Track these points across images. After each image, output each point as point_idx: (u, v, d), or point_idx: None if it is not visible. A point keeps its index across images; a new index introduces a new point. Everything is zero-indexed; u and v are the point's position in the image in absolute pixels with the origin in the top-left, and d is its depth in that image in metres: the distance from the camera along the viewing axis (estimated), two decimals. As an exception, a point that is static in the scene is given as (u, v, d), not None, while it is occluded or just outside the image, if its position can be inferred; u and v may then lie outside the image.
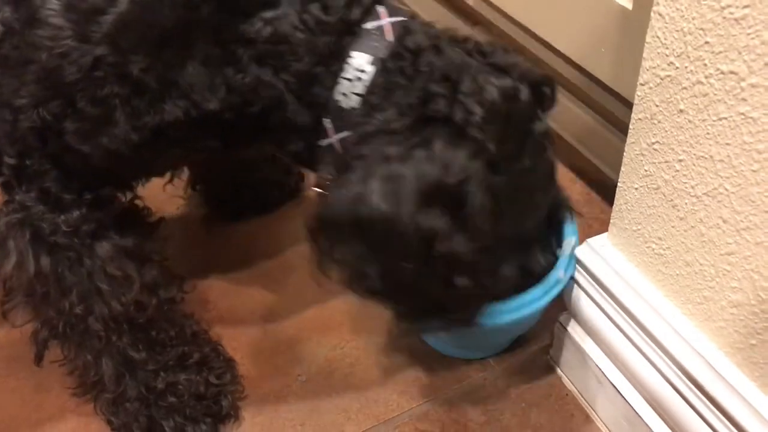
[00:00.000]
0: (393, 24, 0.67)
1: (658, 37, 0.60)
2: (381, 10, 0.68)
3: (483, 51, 0.69)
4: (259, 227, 1.12)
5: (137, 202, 0.81)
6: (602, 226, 1.08)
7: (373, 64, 0.66)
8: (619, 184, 0.72)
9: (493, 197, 0.63)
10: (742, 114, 0.54)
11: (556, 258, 0.77)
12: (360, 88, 0.66)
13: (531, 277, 0.77)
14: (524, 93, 0.65)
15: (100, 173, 0.73)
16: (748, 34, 0.51)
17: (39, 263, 0.73)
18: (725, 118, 0.56)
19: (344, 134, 0.68)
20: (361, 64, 0.66)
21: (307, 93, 0.68)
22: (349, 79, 0.66)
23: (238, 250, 1.09)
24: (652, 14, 0.60)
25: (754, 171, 0.55)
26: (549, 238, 0.78)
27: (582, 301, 0.80)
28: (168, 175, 0.91)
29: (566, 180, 1.16)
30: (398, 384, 0.89)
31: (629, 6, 0.83)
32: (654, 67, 0.61)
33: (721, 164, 0.58)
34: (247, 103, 0.67)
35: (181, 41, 0.64)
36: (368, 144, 0.64)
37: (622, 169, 0.70)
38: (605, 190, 1.12)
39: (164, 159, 0.77)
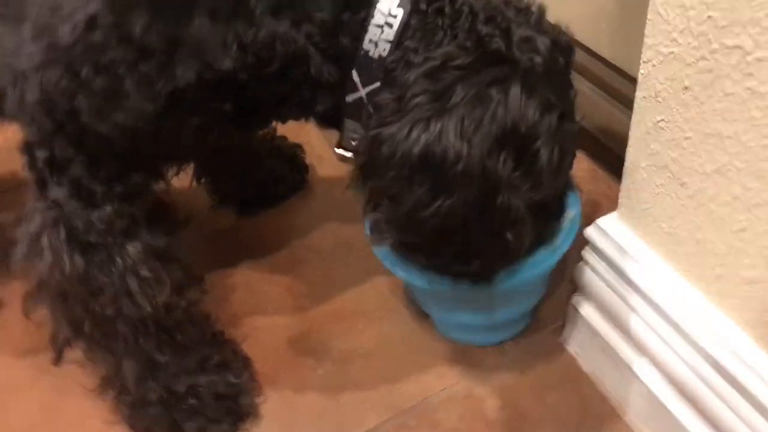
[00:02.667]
0: None
1: (659, 13, 0.59)
2: None
3: (517, 6, 0.66)
4: (265, 222, 1.12)
5: (164, 197, 0.80)
6: (610, 203, 1.07)
7: (401, 6, 0.63)
8: (626, 163, 0.71)
9: (560, 151, 0.63)
10: (749, 89, 0.53)
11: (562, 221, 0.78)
12: (390, 34, 0.64)
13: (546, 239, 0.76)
14: (560, 57, 0.65)
15: (127, 157, 0.71)
16: (752, 6, 0.50)
17: (73, 263, 0.72)
18: (732, 94, 0.55)
19: (374, 86, 0.66)
20: (390, 8, 0.63)
21: (333, 44, 0.65)
22: (379, 26, 0.64)
23: (244, 245, 1.08)
24: (652, -9, 0.59)
25: (763, 146, 0.54)
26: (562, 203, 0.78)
27: (594, 282, 0.79)
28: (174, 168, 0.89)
29: (572, 157, 1.15)
30: (414, 373, 0.89)
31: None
32: (656, 44, 0.60)
33: (729, 141, 0.57)
34: (262, 63, 0.64)
35: None
36: (434, 79, 0.61)
37: (628, 148, 0.69)
38: (611, 165, 1.11)
39: (185, 133, 0.72)
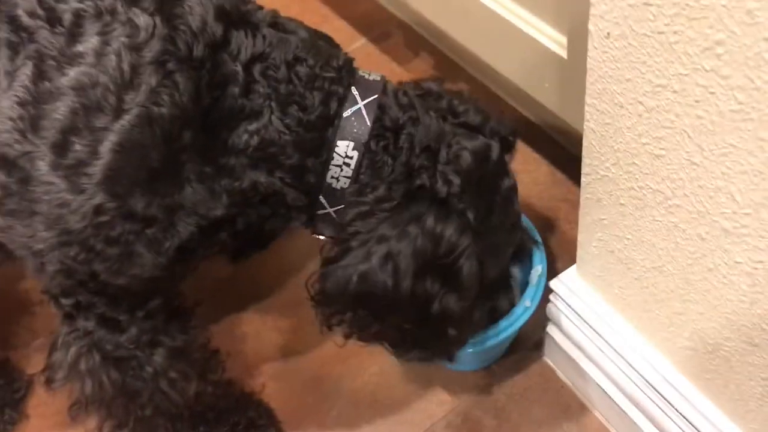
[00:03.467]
0: (368, 105, 0.75)
1: (593, 145, 0.67)
2: (355, 93, 0.76)
3: (455, 111, 0.78)
4: (259, 264, 1.20)
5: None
6: (571, 207, 1.17)
7: (356, 149, 0.74)
8: (578, 238, 0.81)
9: (479, 261, 0.75)
10: (673, 222, 0.63)
11: (516, 296, 0.90)
12: (348, 172, 0.75)
13: (498, 316, 0.90)
14: (495, 151, 0.76)
15: (144, 292, 0.80)
16: (668, 168, 0.59)
17: (110, 379, 0.82)
18: (659, 221, 0.65)
19: (339, 207, 0.78)
20: (346, 151, 0.75)
21: (302, 182, 0.76)
22: (338, 166, 0.75)
23: (245, 293, 1.18)
24: (585, 126, 0.67)
25: (689, 264, 0.64)
26: (510, 277, 0.91)
27: (561, 320, 0.91)
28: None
29: (530, 162, 1.23)
30: (418, 403, 1.02)
31: (564, 55, 0.89)
32: (594, 165, 0.69)
33: (661, 251, 0.67)
34: (248, 198, 0.76)
35: (171, 171, 0.70)
36: (364, 221, 0.74)
37: (579, 229, 0.79)
38: (570, 168, 1.19)
39: (192, 262, 0.83)
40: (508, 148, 0.80)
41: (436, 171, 0.73)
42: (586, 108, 0.64)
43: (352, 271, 0.73)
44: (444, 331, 0.77)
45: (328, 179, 0.75)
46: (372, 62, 1.48)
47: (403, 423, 1.01)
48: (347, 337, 0.80)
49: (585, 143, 0.68)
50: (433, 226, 0.72)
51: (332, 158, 0.74)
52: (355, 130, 0.74)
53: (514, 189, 0.82)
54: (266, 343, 1.12)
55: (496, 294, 0.88)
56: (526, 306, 0.88)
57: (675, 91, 0.53)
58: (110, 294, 0.78)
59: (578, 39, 0.84)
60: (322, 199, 0.77)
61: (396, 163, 0.74)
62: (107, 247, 0.71)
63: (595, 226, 0.75)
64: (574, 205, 1.17)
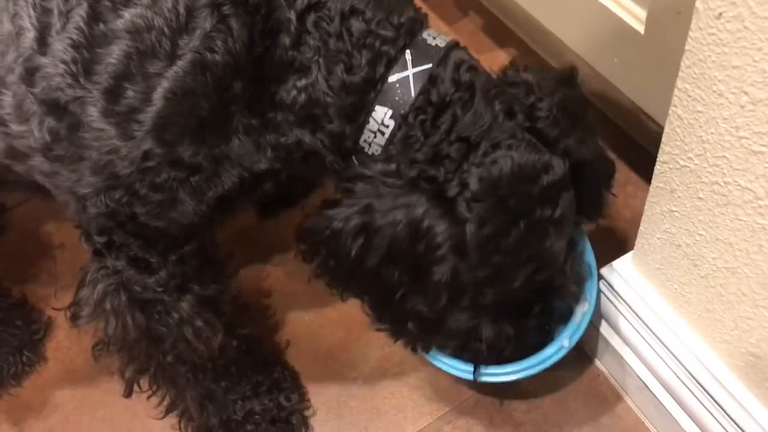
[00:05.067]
0: (418, 73, 0.69)
1: (676, 132, 0.62)
2: (408, 57, 0.70)
3: (534, 114, 0.69)
4: (286, 220, 1.16)
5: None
6: (617, 188, 1.12)
7: (393, 118, 0.70)
8: (641, 228, 0.76)
9: (455, 273, 0.69)
10: (761, 224, 0.58)
11: (546, 333, 0.83)
12: (381, 140, 0.71)
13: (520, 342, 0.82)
14: (553, 174, 0.67)
15: (180, 236, 0.78)
16: (766, 167, 0.54)
17: (135, 321, 0.80)
18: (743, 221, 0.60)
19: None
20: (383, 118, 0.70)
21: (339, 146, 0.73)
22: (372, 132, 0.71)
23: (271, 245, 1.14)
24: (670, 112, 0.61)
25: (771, 269, 0.60)
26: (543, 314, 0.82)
27: (608, 309, 0.87)
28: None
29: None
30: (446, 379, 0.99)
31: (641, 30, 0.82)
32: (674, 153, 0.64)
33: (739, 252, 0.62)
34: (291, 153, 0.74)
35: (220, 121, 0.68)
36: (361, 185, 0.69)
37: (644, 217, 0.74)
38: (624, 147, 1.13)
39: (232, 210, 0.81)
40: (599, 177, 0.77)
41: (460, 167, 0.67)
42: (676, 92, 0.59)
43: (328, 224, 0.69)
44: (404, 320, 0.75)
45: (361, 142, 0.72)
46: (418, 18, 1.42)
47: (430, 398, 0.98)
48: (317, 276, 0.77)
49: (667, 129, 0.63)
50: (421, 219, 0.67)
51: (368, 122, 0.71)
52: (396, 98, 0.69)
53: (555, 223, 0.69)
54: (293, 303, 1.09)
55: (508, 319, 0.80)
56: (562, 345, 0.82)
57: (793, 84, 0.47)
58: (146, 236, 0.76)
59: (660, 14, 0.78)
60: (354, 160, 0.74)
61: (426, 143, 0.68)
62: (151, 192, 0.70)
63: (663, 217, 0.70)
64: (621, 185, 1.13)
